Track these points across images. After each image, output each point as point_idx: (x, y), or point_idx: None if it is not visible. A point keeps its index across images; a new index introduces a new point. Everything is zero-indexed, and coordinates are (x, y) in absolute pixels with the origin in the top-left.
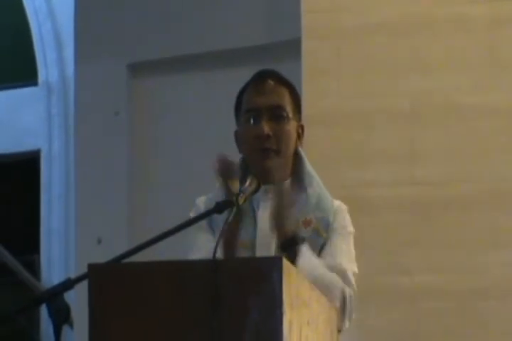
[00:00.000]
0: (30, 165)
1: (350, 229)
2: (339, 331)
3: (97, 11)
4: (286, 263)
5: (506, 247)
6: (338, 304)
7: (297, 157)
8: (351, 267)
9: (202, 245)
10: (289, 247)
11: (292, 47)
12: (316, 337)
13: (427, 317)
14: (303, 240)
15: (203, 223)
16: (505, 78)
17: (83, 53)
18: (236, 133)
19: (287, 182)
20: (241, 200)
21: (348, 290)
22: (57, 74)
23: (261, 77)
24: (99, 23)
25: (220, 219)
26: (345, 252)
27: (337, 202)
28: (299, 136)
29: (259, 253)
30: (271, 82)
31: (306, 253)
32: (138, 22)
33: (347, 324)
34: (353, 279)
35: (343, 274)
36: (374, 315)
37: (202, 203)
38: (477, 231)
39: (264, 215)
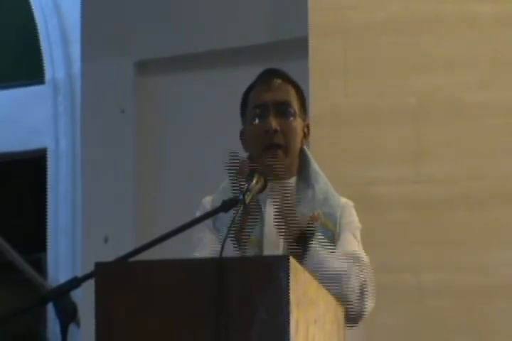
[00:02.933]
0: (37, 164)
1: (358, 224)
2: (361, 317)
3: (104, 8)
4: (293, 261)
5: None
6: (357, 291)
7: (303, 155)
8: (364, 255)
9: (206, 244)
10: (299, 244)
11: (299, 46)
12: (323, 335)
13: (433, 315)
14: (312, 236)
15: (209, 223)
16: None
17: (90, 51)
18: (242, 133)
19: (293, 180)
20: (248, 198)
21: (362, 275)
22: (64, 71)
23: (267, 75)
24: (105, 21)
25: (225, 218)
26: (356, 243)
27: (343, 199)
28: (305, 135)
29: (267, 251)
30: (278, 80)
31: (316, 248)
32: (145, 19)
33: (370, 306)
34: (368, 262)
35: (358, 259)
36: (380, 314)
37: (208, 203)
38: (484, 229)
39: (271, 212)
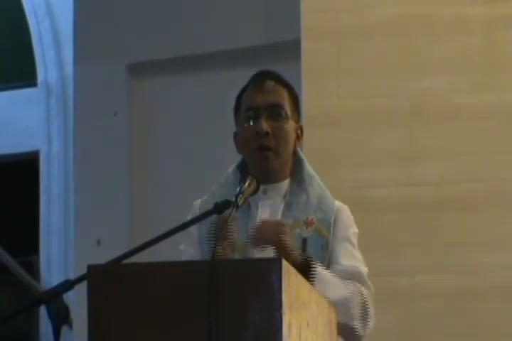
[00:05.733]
0: (30, 166)
1: (355, 230)
2: (363, 338)
3: (97, 10)
4: (285, 264)
5: (506, 248)
6: (359, 317)
7: (296, 158)
8: (364, 269)
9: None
10: (303, 272)
11: (292, 48)
12: (316, 338)
13: (426, 317)
14: (311, 260)
15: (194, 232)
16: (504, 78)
17: (82, 54)
18: (235, 135)
19: (286, 182)
20: (240, 201)
21: (363, 296)
22: (56, 74)
23: (260, 77)
24: (98, 24)
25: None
26: (355, 255)
27: (338, 202)
28: (298, 136)
29: (257, 253)
30: (270, 82)
31: (322, 275)
32: (137, 22)
33: (372, 326)
34: (368, 279)
35: (360, 276)
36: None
37: (198, 206)
38: (477, 231)
39: (263, 215)
